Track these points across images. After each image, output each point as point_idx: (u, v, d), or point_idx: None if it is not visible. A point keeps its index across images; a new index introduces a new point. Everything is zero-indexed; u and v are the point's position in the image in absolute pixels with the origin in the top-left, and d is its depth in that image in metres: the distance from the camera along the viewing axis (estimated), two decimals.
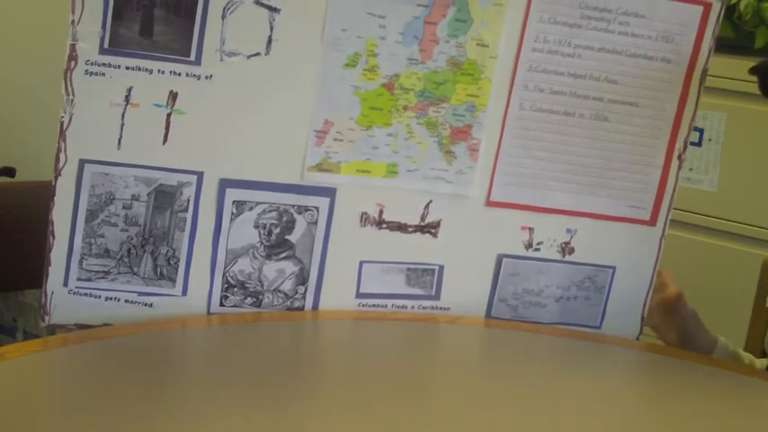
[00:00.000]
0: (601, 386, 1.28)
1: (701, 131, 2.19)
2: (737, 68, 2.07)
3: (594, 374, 1.31)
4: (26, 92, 2.47)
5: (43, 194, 1.27)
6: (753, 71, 1.34)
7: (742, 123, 2.16)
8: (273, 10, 1.24)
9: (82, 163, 1.24)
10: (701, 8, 1.36)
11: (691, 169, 2.21)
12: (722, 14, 1.37)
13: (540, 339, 1.40)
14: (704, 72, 1.39)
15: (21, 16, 2.55)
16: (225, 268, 1.32)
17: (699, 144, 2.20)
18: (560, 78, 1.35)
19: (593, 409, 1.20)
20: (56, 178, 1.24)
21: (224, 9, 1.23)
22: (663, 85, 1.38)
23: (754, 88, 1.37)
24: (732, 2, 2.12)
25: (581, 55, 1.35)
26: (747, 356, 1.47)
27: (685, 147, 1.42)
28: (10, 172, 2.29)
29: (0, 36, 2.65)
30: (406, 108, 1.32)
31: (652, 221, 1.44)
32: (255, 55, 1.25)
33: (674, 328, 1.44)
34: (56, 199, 1.25)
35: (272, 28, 1.25)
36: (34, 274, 1.29)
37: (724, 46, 2.14)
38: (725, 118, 2.17)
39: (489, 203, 1.39)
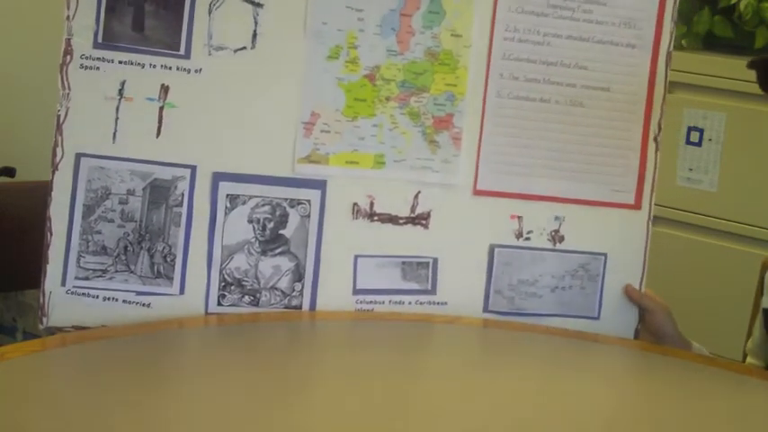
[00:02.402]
0: (600, 386, 1.27)
1: (701, 131, 2.23)
2: (737, 68, 2.12)
3: (593, 374, 1.31)
4: (26, 92, 2.50)
5: (43, 194, 1.29)
6: (751, 65, 1.39)
7: (742, 123, 2.20)
8: (257, 5, 1.32)
9: (78, 157, 1.28)
10: None
11: (691, 169, 2.24)
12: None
13: (539, 339, 1.39)
14: (669, 55, 1.46)
15: (20, 17, 2.60)
16: (221, 265, 1.33)
17: (699, 144, 2.23)
18: (533, 66, 1.42)
19: (592, 409, 1.19)
20: (53, 173, 1.27)
21: (210, 4, 1.30)
22: (631, 70, 1.45)
23: (754, 88, 1.43)
24: (732, 2, 2.18)
25: (550, 43, 1.42)
26: None
27: (660, 129, 1.47)
28: (10, 172, 2.29)
29: (0, 37, 2.70)
30: (388, 99, 1.37)
31: (637, 205, 1.47)
32: (242, 49, 1.32)
33: (644, 325, 1.45)
34: (53, 194, 1.28)
35: (256, 22, 1.32)
36: (34, 274, 1.30)
37: (724, 46, 2.23)
38: (725, 118, 2.21)
39: (476, 192, 1.42)
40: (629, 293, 1.45)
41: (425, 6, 1.37)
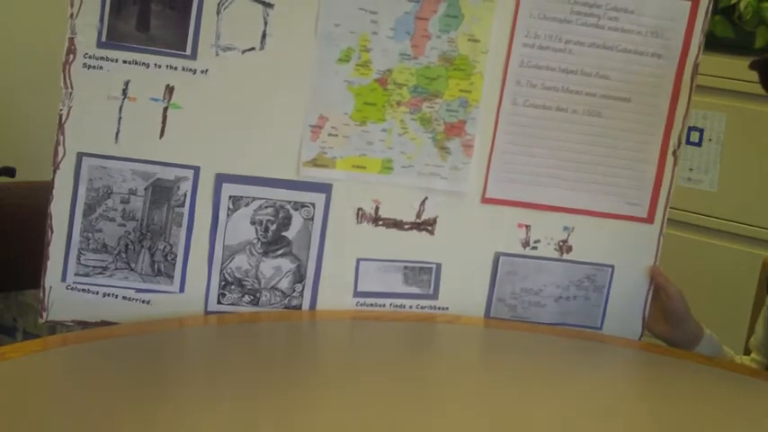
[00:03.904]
0: (601, 386, 1.26)
1: (701, 131, 2.21)
2: (737, 68, 2.11)
3: (594, 375, 1.30)
4: (26, 92, 2.50)
5: (43, 194, 1.28)
6: (753, 66, 1.35)
7: (742, 123, 2.18)
8: (267, 5, 1.27)
9: (80, 156, 1.26)
10: (689, 3, 1.38)
11: (691, 169, 2.22)
12: (710, 9, 1.39)
13: (540, 339, 1.39)
14: (695, 67, 1.40)
15: (21, 17, 2.58)
16: (222, 265, 1.33)
17: (699, 144, 2.21)
18: (552, 74, 1.37)
19: (592, 410, 1.19)
20: (54, 171, 1.26)
21: (219, 4, 1.26)
22: (655, 81, 1.40)
23: (754, 88, 1.38)
24: (732, 2, 2.14)
25: (572, 50, 1.37)
26: (730, 352, 1.46)
27: (680, 143, 1.43)
28: (10, 172, 2.30)
29: (0, 37, 2.69)
30: (399, 103, 1.34)
31: (650, 219, 1.43)
32: (250, 50, 1.28)
33: (659, 308, 1.44)
34: (54, 192, 1.27)
35: (266, 23, 1.28)
36: (34, 274, 1.30)
37: (724, 46, 2.18)
38: (725, 118, 2.18)
39: (485, 200, 1.39)
40: (653, 274, 1.43)
41: (443, 10, 1.32)
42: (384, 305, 1.39)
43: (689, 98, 1.41)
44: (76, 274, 1.29)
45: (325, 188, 1.34)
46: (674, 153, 1.42)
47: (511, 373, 1.26)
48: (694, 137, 2.21)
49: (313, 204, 1.34)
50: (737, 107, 2.16)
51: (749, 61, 1.34)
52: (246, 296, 1.34)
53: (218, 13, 1.26)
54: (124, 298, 1.31)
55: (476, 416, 1.13)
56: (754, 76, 1.36)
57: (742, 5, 2.11)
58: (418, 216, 1.38)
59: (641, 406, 1.23)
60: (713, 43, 2.18)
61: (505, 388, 1.22)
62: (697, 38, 1.39)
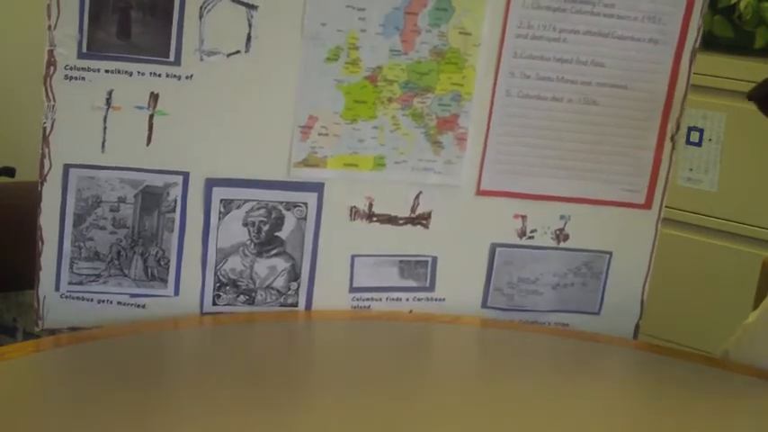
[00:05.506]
0: (600, 387, 1.27)
1: (701, 131, 2.20)
2: (737, 68, 2.08)
3: (593, 375, 1.30)
4: (26, 92, 2.45)
5: None
6: (750, 98, 1.32)
7: (742, 123, 2.16)
8: (251, 7, 1.24)
9: (66, 168, 1.24)
10: None
11: (691, 169, 2.21)
12: None
13: (538, 339, 1.38)
14: (694, 51, 1.36)
15: (21, 17, 2.54)
16: (216, 267, 1.32)
17: (699, 144, 2.20)
18: (546, 64, 1.34)
19: (592, 410, 1.19)
20: (41, 184, 1.24)
21: (201, 8, 1.22)
22: (652, 66, 1.36)
23: None
24: (732, 2, 2.12)
25: (566, 39, 1.33)
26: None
27: (678, 128, 1.40)
28: (10, 172, 2.28)
29: (0, 37, 2.66)
30: (390, 100, 1.31)
31: (647, 205, 1.42)
32: (235, 53, 1.25)
33: None
34: (42, 205, 1.25)
35: (250, 25, 1.24)
36: (34, 274, 1.29)
37: (724, 46, 2.16)
38: (725, 118, 2.17)
39: (480, 192, 1.37)
40: None
41: (433, 4, 1.28)
42: (380, 299, 1.39)
43: (687, 82, 1.38)
44: (70, 283, 1.28)
45: (316, 187, 1.32)
46: (673, 138, 1.40)
47: (510, 374, 1.26)
48: (694, 137, 2.19)
49: (305, 204, 1.32)
50: (737, 107, 2.13)
51: (749, 62, 1.31)
52: (242, 296, 1.34)
53: (200, 17, 1.22)
54: (119, 303, 1.31)
55: (474, 417, 1.14)
56: (755, 75, 1.33)
57: (742, 5, 2.08)
58: (413, 211, 1.36)
59: (640, 406, 1.23)
60: (713, 43, 2.16)
61: (504, 389, 1.22)
62: (696, 21, 1.35)
